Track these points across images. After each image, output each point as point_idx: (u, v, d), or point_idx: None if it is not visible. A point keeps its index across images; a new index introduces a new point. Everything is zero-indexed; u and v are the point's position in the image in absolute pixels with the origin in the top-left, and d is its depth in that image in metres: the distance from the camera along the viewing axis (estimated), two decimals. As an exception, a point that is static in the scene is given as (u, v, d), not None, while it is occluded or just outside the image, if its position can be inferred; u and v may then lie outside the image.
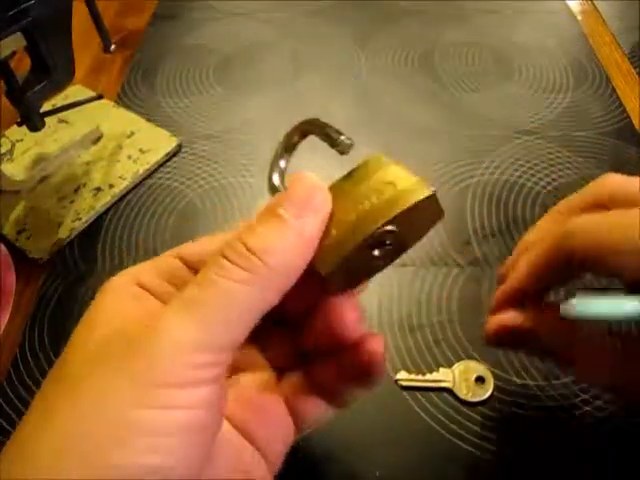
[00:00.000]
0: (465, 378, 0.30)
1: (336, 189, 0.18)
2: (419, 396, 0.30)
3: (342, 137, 0.19)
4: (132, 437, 0.14)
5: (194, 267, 0.19)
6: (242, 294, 0.16)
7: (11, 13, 0.30)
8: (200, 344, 0.15)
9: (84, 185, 0.41)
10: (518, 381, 0.30)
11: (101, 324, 0.17)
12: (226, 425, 0.19)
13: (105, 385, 0.15)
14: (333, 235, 0.18)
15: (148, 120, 0.46)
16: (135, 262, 0.36)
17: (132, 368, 0.15)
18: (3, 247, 0.37)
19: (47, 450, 0.14)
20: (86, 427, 0.14)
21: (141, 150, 0.43)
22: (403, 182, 0.18)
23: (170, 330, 0.15)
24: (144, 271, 0.19)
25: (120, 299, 0.18)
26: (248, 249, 0.16)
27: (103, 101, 0.44)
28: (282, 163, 0.21)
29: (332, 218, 0.18)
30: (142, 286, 0.19)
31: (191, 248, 0.20)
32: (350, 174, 0.19)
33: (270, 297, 0.16)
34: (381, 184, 0.18)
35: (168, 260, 0.20)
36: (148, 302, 0.18)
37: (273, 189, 0.20)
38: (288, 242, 0.16)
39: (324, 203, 0.18)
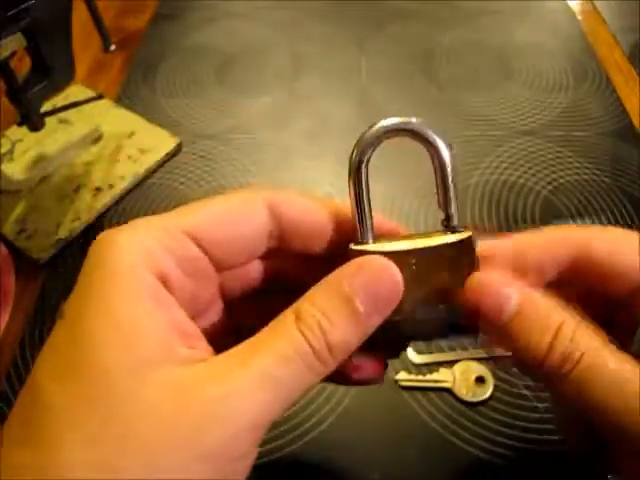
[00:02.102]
0: (465, 378, 0.30)
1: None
2: (419, 396, 0.30)
3: None
4: None
5: (214, 257, 0.18)
6: (312, 383, 0.16)
7: (11, 13, 0.30)
8: (268, 424, 0.15)
9: (84, 185, 0.41)
10: (518, 381, 0.30)
11: (122, 333, 0.15)
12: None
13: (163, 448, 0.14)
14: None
15: (148, 120, 0.46)
16: (135, 262, 0.36)
17: (203, 442, 0.14)
18: (3, 247, 0.37)
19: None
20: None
21: (141, 150, 0.43)
22: None
23: (247, 410, 0.15)
24: (162, 256, 0.17)
25: (139, 297, 0.16)
26: (329, 348, 0.16)
27: (103, 101, 0.44)
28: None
29: None
30: (161, 277, 0.17)
31: (209, 233, 0.18)
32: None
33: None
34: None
35: (186, 246, 0.18)
36: (173, 312, 0.17)
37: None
38: (357, 340, 0.17)
39: (395, 303, 0.18)
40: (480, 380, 0.30)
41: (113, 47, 0.44)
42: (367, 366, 0.20)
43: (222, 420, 0.15)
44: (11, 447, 0.15)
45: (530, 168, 0.41)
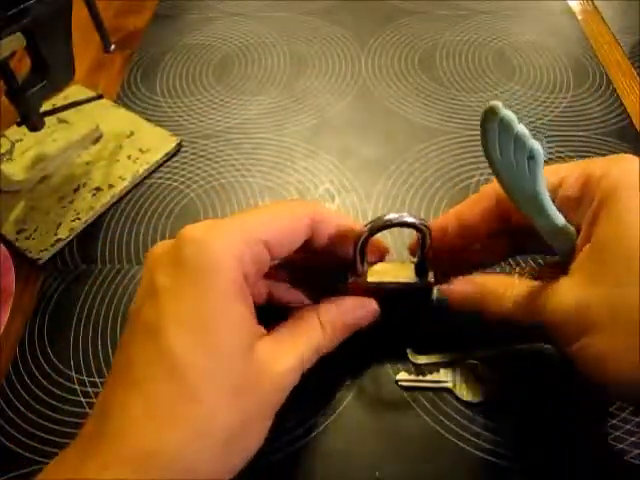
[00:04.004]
0: (465, 378, 0.30)
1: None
2: (419, 396, 0.30)
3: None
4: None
5: (272, 255, 0.24)
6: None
7: (11, 13, 0.30)
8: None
9: (84, 185, 0.41)
10: (518, 381, 0.30)
11: (222, 324, 0.21)
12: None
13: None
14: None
15: (148, 120, 0.46)
16: (134, 262, 0.36)
17: (277, 395, 0.23)
18: (3, 247, 0.37)
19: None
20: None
21: (141, 150, 0.43)
22: None
23: (291, 382, 0.23)
24: (246, 258, 0.22)
25: (230, 293, 0.21)
26: (333, 345, 0.26)
27: (103, 101, 0.44)
28: None
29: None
30: (245, 277, 0.22)
31: (275, 239, 0.24)
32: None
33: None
34: None
35: (262, 251, 0.23)
36: (249, 301, 0.23)
37: None
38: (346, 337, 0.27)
39: (373, 320, 0.28)
40: (480, 380, 0.30)
41: (113, 47, 0.44)
42: None
43: (281, 383, 0.23)
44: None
45: (530, 168, 0.41)
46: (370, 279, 0.28)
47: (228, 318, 0.21)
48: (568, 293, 0.22)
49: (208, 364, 0.20)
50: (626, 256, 0.21)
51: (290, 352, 0.23)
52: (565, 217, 0.24)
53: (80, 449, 0.20)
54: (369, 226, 0.26)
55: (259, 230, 0.23)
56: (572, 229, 0.24)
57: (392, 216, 0.26)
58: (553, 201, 0.23)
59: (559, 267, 0.25)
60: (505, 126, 0.20)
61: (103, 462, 0.18)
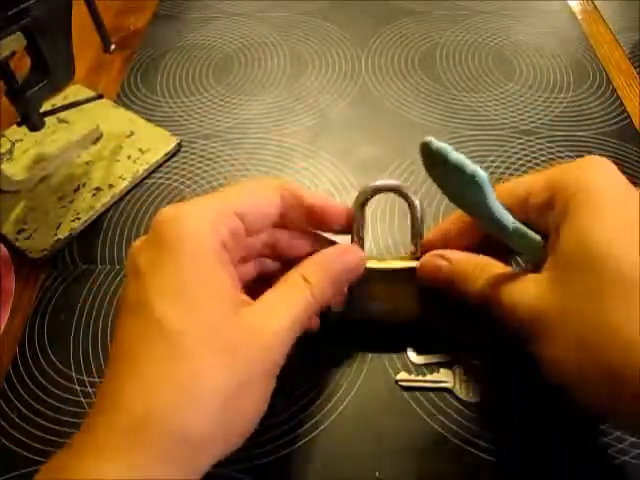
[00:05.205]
0: (465, 378, 0.30)
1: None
2: (419, 396, 0.30)
3: None
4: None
5: (247, 226, 0.25)
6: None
7: (11, 13, 0.30)
8: (290, 347, 0.23)
9: (84, 185, 0.41)
10: (518, 381, 0.30)
11: (208, 286, 0.21)
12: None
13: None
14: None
15: (148, 120, 0.46)
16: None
17: (270, 357, 0.22)
18: (3, 247, 0.37)
19: None
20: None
21: (141, 150, 0.43)
22: None
23: (288, 340, 0.23)
24: (221, 227, 0.23)
25: (209, 260, 0.22)
26: (322, 301, 0.25)
27: (103, 101, 0.44)
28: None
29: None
30: (222, 242, 0.23)
31: (250, 211, 0.25)
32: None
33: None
34: None
35: (236, 222, 0.24)
36: (229, 268, 0.23)
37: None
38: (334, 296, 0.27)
39: (357, 276, 0.28)
40: (480, 380, 0.30)
41: (113, 47, 0.44)
42: None
43: (273, 343, 0.22)
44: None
45: (530, 168, 0.41)
46: (369, 265, 0.29)
47: (208, 282, 0.21)
48: (528, 294, 0.23)
49: (193, 326, 0.20)
50: (585, 268, 0.21)
51: (279, 313, 0.23)
52: (536, 225, 0.25)
53: (81, 431, 0.20)
54: (359, 199, 0.28)
55: (230, 202, 0.24)
56: (537, 238, 0.24)
57: (379, 182, 0.28)
58: (522, 219, 0.24)
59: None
60: (439, 159, 0.20)
61: (99, 435, 0.19)
